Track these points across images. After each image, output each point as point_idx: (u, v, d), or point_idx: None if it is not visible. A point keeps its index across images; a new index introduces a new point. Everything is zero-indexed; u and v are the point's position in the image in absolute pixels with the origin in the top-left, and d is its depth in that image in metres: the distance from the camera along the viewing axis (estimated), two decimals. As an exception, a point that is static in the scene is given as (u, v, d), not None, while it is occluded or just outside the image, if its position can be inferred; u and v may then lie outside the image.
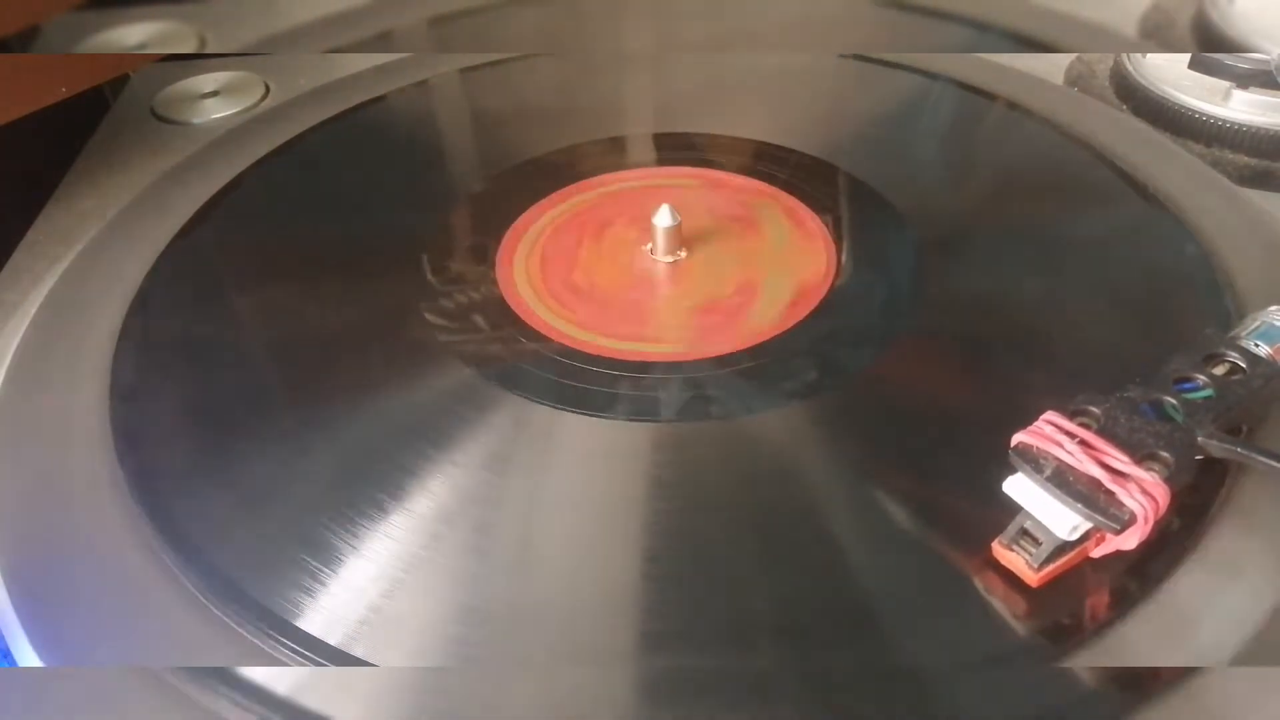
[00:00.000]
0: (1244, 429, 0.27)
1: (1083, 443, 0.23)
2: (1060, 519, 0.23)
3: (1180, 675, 0.22)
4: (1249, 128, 0.39)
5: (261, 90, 0.47)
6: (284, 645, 0.23)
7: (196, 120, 0.45)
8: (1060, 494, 0.23)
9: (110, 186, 0.41)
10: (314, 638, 0.23)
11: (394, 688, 0.22)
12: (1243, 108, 0.40)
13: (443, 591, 0.24)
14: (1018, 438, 0.24)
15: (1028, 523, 0.23)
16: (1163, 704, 0.22)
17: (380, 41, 0.49)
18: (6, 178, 0.40)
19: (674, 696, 0.22)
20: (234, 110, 0.46)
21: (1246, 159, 0.39)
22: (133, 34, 0.45)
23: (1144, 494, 0.22)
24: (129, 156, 0.43)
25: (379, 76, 0.47)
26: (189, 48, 0.45)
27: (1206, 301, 0.32)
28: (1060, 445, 0.23)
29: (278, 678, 0.23)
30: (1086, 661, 0.22)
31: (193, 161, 0.41)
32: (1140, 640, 0.23)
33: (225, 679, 0.22)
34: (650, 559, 0.25)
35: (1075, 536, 0.23)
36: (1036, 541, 0.23)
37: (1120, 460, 0.23)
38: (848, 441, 0.28)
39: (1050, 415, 0.24)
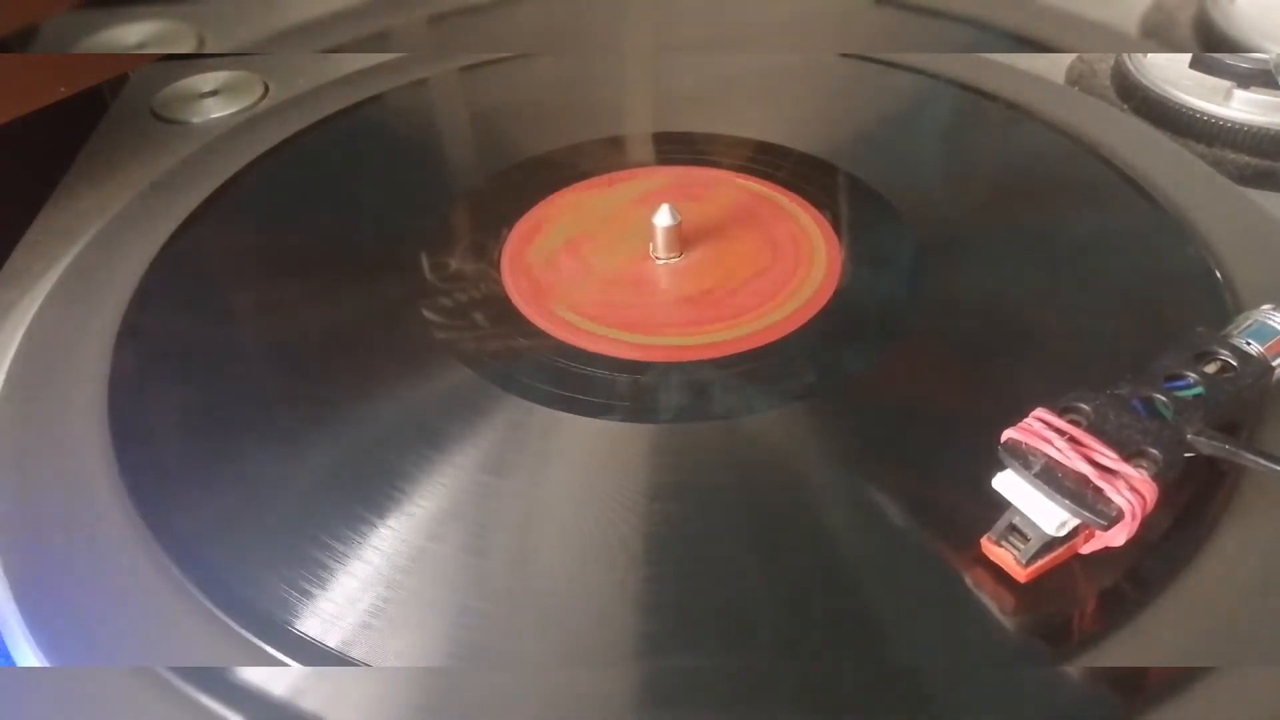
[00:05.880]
0: (1244, 428, 0.27)
1: (1071, 439, 0.23)
2: (1048, 515, 0.23)
3: (1180, 675, 0.22)
4: (1250, 127, 0.39)
5: (260, 90, 0.47)
6: (283, 646, 0.23)
7: (196, 120, 0.45)
8: (1048, 490, 0.23)
9: (110, 186, 0.41)
10: (313, 638, 0.23)
11: (392, 689, 0.22)
12: (1243, 107, 0.40)
13: (441, 592, 0.24)
14: (1007, 434, 0.24)
15: (1016, 519, 0.23)
16: (1163, 704, 0.22)
17: (380, 41, 0.49)
18: (6, 178, 0.40)
19: (674, 696, 0.22)
20: (233, 110, 0.46)
21: (1247, 158, 0.39)
22: (131, 33, 0.45)
23: (1132, 491, 0.22)
24: (128, 156, 0.43)
25: (378, 76, 0.47)
26: (188, 47, 0.45)
27: (1206, 301, 0.32)
28: (1049, 442, 0.23)
29: (277, 678, 0.22)
30: (1087, 661, 0.22)
31: (192, 161, 0.41)
32: (1140, 640, 0.23)
33: (225, 679, 0.22)
34: (649, 559, 0.25)
35: (1063, 532, 0.23)
36: (1025, 537, 0.23)
37: (1109, 457, 0.23)
38: (847, 442, 0.28)
39: (1040, 412, 0.24)
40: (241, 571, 0.25)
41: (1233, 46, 0.41)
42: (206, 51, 0.46)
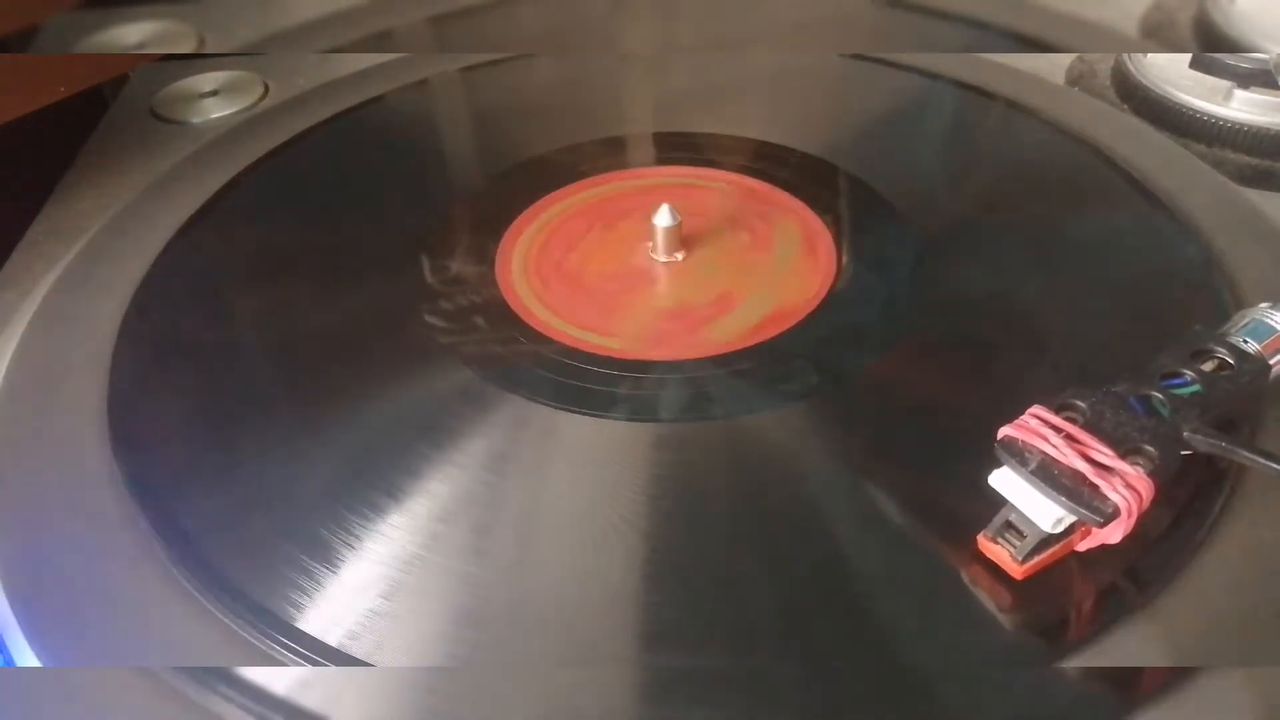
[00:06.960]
0: (1242, 426, 0.27)
1: (1068, 436, 0.23)
2: (1044, 512, 0.23)
3: (1178, 675, 0.22)
4: (1250, 127, 0.39)
5: (261, 90, 0.47)
6: (283, 645, 0.23)
7: (196, 120, 0.45)
8: (1044, 487, 0.23)
9: (110, 186, 0.41)
10: (313, 638, 0.23)
11: (393, 688, 0.22)
12: (1244, 107, 0.40)
13: (442, 592, 0.24)
14: (1003, 431, 0.24)
15: (1012, 515, 0.23)
16: (1161, 704, 0.22)
17: (380, 41, 0.49)
18: (6, 178, 0.40)
19: (674, 697, 0.22)
20: (233, 110, 0.46)
21: (1247, 158, 0.39)
22: (131, 33, 0.45)
23: (1127, 488, 0.22)
24: (128, 156, 0.43)
25: (378, 76, 0.47)
26: (188, 47, 0.45)
27: (1207, 301, 0.32)
28: (1045, 439, 0.23)
29: (277, 678, 0.22)
30: (1084, 660, 0.22)
31: (192, 161, 0.41)
32: (1137, 639, 0.23)
33: (225, 679, 0.22)
34: (650, 559, 0.25)
35: (1059, 529, 0.23)
36: (1021, 534, 0.23)
37: (1105, 454, 0.23)
38: (848, 441, 0.28)
39: (1036, 409, 0.24)
40: (242, 571, 0.25)
41: (1233, 46, 0.41)
42: (206, 51, 0.46)
